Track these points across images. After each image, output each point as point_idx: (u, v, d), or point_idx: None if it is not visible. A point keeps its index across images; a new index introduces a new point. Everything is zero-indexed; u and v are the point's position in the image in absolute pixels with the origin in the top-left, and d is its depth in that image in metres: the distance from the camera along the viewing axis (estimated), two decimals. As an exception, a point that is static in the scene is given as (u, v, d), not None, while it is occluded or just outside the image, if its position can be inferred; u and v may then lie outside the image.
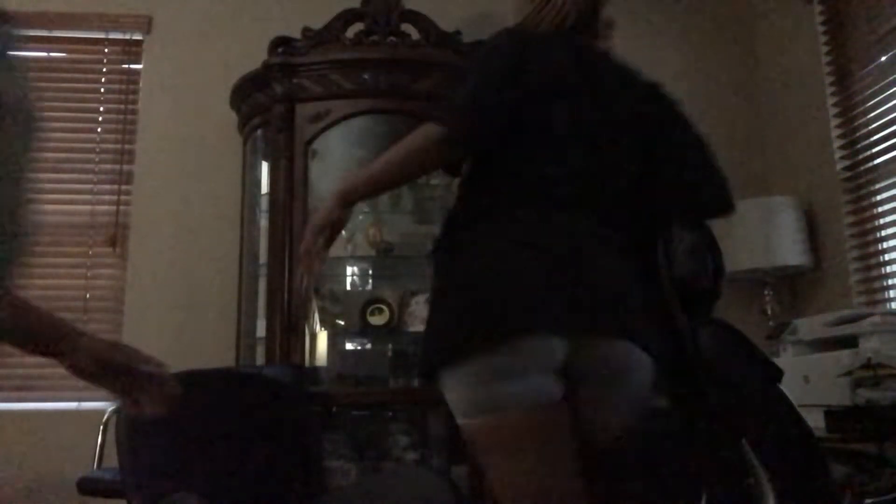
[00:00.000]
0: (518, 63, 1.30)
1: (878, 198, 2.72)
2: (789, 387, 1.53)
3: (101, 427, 2.60)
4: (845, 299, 2.78)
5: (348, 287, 3.12)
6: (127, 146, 3.17)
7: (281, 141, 2.73)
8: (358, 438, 2.73)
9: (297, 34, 2.84)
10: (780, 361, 2.17)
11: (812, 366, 2.21)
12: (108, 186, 3.14)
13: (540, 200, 1.30)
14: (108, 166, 3.16)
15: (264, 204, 2.91)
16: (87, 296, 3.05)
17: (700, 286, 1.43)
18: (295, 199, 2.67)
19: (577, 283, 1.21)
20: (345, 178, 1.31)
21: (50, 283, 3.04)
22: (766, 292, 3.01)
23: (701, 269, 1.43)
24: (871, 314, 2.14)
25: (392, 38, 2.87)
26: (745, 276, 2.97)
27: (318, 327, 2.81)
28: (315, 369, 2.72)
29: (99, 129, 3.20)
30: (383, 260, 2.97)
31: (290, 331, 2.57)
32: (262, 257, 2.82)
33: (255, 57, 2.83)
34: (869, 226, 2.76)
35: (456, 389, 1.21)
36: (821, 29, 3.00)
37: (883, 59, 2.69)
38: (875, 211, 2.74)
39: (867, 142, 2.75)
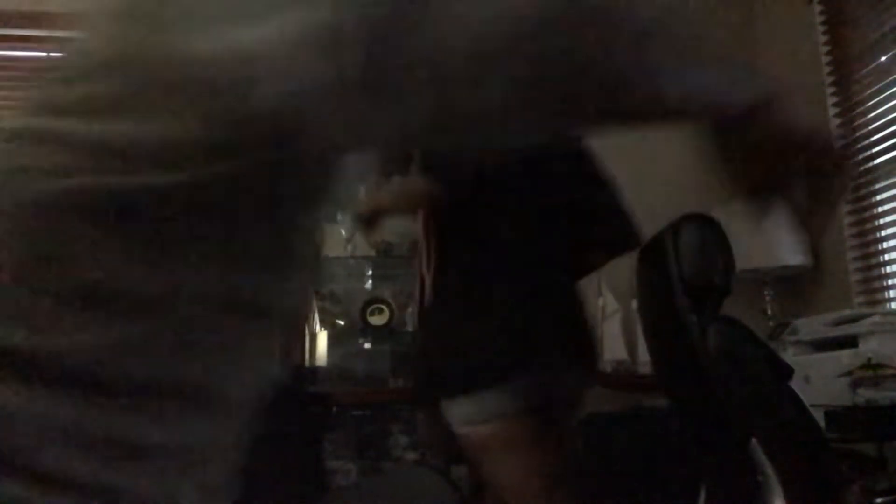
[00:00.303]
0: None
1: (878, 198, 2.72)
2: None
3: (101, 427, 2.60)
4: (845, 299, 2.78)
5: (348, 287, 3.12)
6: (127, 146, 3.16)
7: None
8: (358, 438, 2.73)
9: (297, 34, 2.84)
10: (780, 361, 2.17)
11: (812, 366, 2.21)
12: (108, 186, 3.14)
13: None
14: (108, 166, 3.15)
15: (264, 204, 2.90)
16: (87, 296, 3.04)
17: (709, 283, 1.43)
18: (295, 199, 2.67)
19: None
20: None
21: (50, 283, 3.03)
22: (766, 292, 3.01)
23: (710, 265, 1.43)
24: (871, 314, 2.14)
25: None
26: (745, 276, 2.97)
27: (318, 327, 2.81)
28: (315, 369, 2.73)
29: (99, 129, 3.19)
30: (383, 260, 2.97)
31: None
32: (262, 257, 2.81)
33: (255, 57, 2.83)
34: (869, 226, 2.76)
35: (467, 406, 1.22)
36: (821, 29, 3.00)
37: (883, 59, 2.69)
38: (875, 211, 2.74)
39: (867, 142, 2.75)
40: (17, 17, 3.18)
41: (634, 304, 2.61)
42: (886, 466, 2.01)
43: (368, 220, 1.42)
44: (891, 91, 2.64)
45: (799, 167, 0.64)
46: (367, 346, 2.97)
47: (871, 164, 2.74)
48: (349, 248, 2.94)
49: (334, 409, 2.71)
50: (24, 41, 3.23)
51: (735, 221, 2.84)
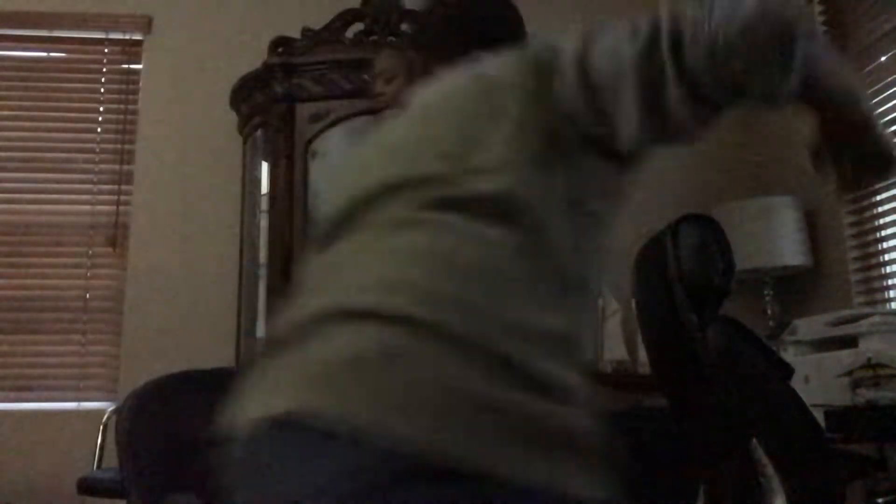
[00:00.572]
0: None
1: (878, 198, 2.72)
2: (789, 387, 1.53)
3: (101, 427, 2.60)
4: (845, 299, 2.78)
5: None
6: (127, 146, 3.17)
7: (281, 141, 2.72)
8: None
9: (297, 34, 2.84)
10: (780, 361, 2.17)
11: (812, 366, 2.20)
12: (108, 186, 3.14)
13: None
14: (108, 166, 3.16)
15: (264, 204, 2.91)
16: (87, 296, 3.05)
17: (709, 283, 1.43)
18: (295, 199, 2.67)
19: None
20: None
21: (50, 283, 3.04)
22: (766, 292, 3.01)
23: (710, 266, 1.43)
24: (871, 314, 2.13)
25: (392, 38, 2.87)
26: (745, 276, 2.97)
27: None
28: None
29: (99, 129, 3.20)
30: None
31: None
32: (262, 257, 2.82)
33: (255, 57, 2.83)
34: (869, 226, 2.76)
35: None
36: (821, 29, 3.00)
37: (883, 59, 2.69)
38: (875, 211, 2.74)
39: (867, 142, 2.75)
40: (18, 17, 3.18)
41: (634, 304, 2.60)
42: (886, 466, 2.01)
43: None
44: (891, 91, 2.64)
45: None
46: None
47: (871, 164, 2.73)
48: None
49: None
50: (24, 41, 3.23)
51: (735, 222, 2.85)
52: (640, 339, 2.67)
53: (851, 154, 0.77)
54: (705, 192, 3.13)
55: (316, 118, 2.72)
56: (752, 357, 1.52)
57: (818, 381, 2.13)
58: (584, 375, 0.67)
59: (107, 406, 2.75)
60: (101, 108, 3.21)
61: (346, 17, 2.87)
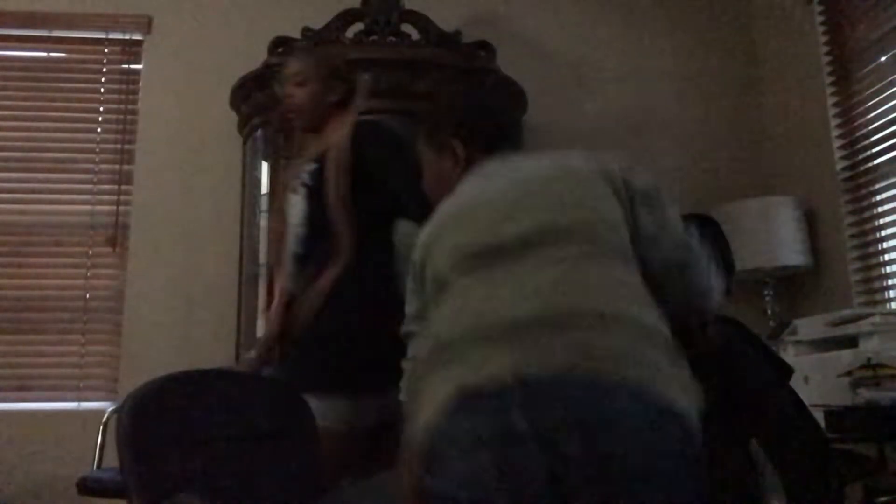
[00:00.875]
0: None
1: (878, 198, 2.72)
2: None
3: (101, 427, 2.60)
4: (845, 299, 2.78)
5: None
6: (127, 146, 3.17)
7: (281, 141, 2.72)
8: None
9: (297, 34, 2.84)
10: (780, 361, 2.17)
11: (812, 366, 2.21)
12: (108, 186, 3.14)
13: None
14: (108, 166, 3.16)
15: (264, 204, 2.91)
16: (87, 296, 3.05)
17: None
18: (295, 199, 2.67)
19: None
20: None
21: (50, 283, 3.04)
22: (766, 292, 3.02)
23: None
24: (871, 314, 2.14)
25: (392, 38, 2.87)
26: (745, 276, 2.97)
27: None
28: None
29: (99, 129, 3.20)
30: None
31: (290, 331, 2.57)
32: (262, 257, 2.82)
33: (255, 57, 2.83)
34: (869, 226, 2.77)
35: None
36: (821, 29, 3.00)
37: (883, 59, 2.69)
38: (875, 211, 2.74)
39: (867, 142, 2.75)
40: (18, 17, 3.18)
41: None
42: (886, 466, 2.01)
43: None
44: (891, 91, 2.64)
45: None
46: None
47: (871, 164, 2.74)
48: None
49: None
50: (24, 41, 3.23)
51: (735, 222, 2.85)
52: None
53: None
54: (705, 192, 3.14)
55: (316, 118, 2.71)
56: (752, 357, 1.52)
57: (818, 381, 2.13)
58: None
59: (107, 406, 2.75)
60: (101, 108, 3.21)
61: (346, 17, 2.87)
